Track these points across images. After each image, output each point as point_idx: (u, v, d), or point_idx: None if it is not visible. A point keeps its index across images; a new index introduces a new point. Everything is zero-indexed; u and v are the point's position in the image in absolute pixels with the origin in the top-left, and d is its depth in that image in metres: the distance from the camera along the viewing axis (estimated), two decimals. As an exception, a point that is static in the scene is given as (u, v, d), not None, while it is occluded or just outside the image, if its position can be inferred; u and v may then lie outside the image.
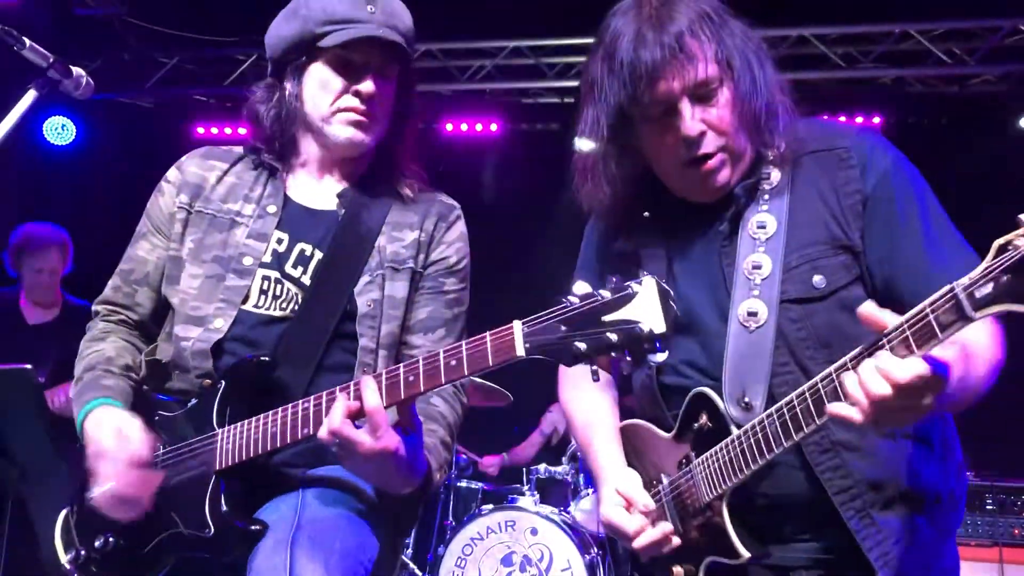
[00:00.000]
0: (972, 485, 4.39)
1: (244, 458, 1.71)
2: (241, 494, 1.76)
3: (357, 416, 1.56)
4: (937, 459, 1.68)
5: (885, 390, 1.31)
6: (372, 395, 1.54)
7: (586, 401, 1.99)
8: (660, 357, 1.42)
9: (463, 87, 6.50)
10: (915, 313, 1.30)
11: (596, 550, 4.41)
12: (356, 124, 1.92)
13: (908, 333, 1.30)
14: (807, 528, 1.65)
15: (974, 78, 6.07)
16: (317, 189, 2.02)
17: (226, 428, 1.75)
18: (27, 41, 1.88)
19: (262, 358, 1.82)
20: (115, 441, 1.73)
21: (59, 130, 6.76)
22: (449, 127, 6.73)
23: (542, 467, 5.03)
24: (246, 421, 1.73)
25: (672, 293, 1.41)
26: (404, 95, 2.02)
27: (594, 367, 1.47)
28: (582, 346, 1.40)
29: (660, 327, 1.37)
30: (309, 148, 2.02)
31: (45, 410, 3.39)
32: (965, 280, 1.23)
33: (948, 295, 1.25)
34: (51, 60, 1.90)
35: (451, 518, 4.87)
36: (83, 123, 6.85)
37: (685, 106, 1.65)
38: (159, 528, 1.76)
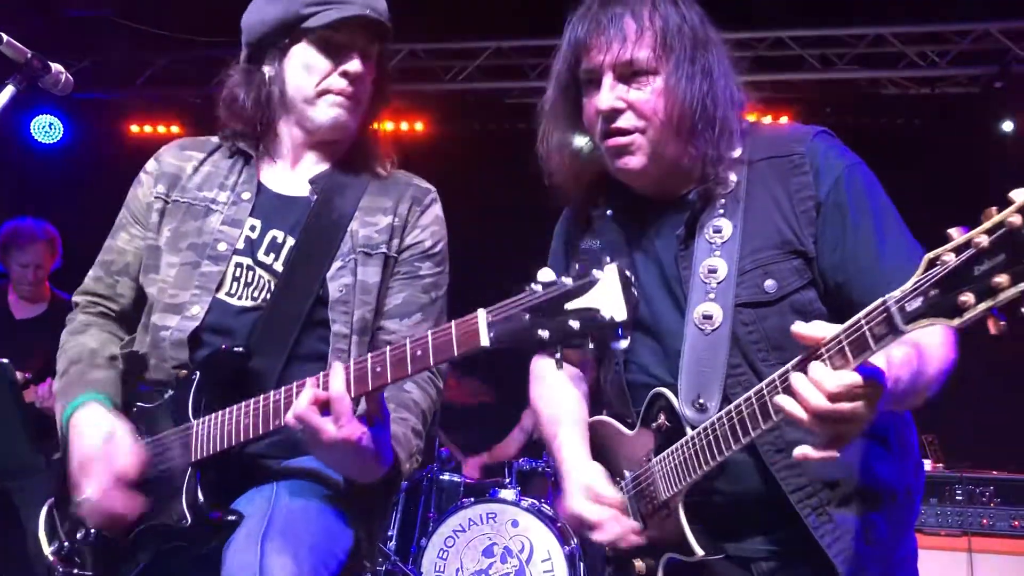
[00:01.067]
0: (942, 475, 4.46)
1: (219, 450, 1.71)
2: (218, 485, 1.76)
3: (325, 405, 1.54)
4: (894, 457, 1.69)
5: (820, 401, 1.31)
6: (337, 382, 1.52)
7: (554, 397, 1.99)
8: (623, 344, 1.43)
9: (446, 87, 6.55)
10: (850, 325, 1.29)
11: (576, 541, 4.41)
12: (341, 106, 1.91)
13: (845, 344, 1.29)
14: (765, 525, 1.66)
15: (946, 80, 6.13)
16: (291, 176, 2.00)
17: (201, 419, 1.75)
18: (4, 36, 1.84)
19: (236, 348, 1.81)
20: (102, 451, 1.71)
21: (47, 129, 6.80)
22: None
23: (523, 460, 5.02)
24: (220, 412, 1.72)
25: (633, 279, 1.39)
26: (381, 78, 2.01)
27: (558, 355, 1.43)
28: (545, 335, 1.37)
29: (621, 315, 1.35)
30: (289, 132, 1.99)
31: (22, 405, 3.35)
32: (897, 293, 1.22)
33: (881, 308, 1.24)
34: (29, 56, 1.86)
35: (434, 510, 4.86)
36: (70, 122, 6.89)
37: (607, 79, 1.70)
38: (139, 519, 1.76)
